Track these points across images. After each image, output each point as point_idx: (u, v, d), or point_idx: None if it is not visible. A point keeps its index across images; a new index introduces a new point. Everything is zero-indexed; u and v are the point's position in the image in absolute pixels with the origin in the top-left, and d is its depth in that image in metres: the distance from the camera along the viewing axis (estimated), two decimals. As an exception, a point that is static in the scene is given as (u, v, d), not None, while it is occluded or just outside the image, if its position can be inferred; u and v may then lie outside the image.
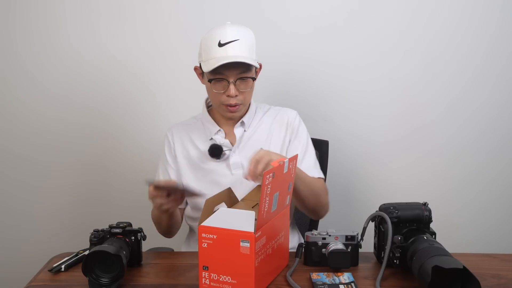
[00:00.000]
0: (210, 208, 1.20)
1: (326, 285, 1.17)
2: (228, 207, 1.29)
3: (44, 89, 2.13)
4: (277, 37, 2.06)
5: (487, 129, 2.12)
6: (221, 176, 1.54)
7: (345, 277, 1.22)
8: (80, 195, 2.19)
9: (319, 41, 2.06)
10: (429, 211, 1.25)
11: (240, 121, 1.58)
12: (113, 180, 2.18)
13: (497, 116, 2.11)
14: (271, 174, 1.08)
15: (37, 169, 2.18)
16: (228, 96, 1.47)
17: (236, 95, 1.47)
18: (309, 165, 1.57)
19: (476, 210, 2.18)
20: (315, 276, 1.22)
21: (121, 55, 2.10)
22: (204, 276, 1.13)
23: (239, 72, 1.45)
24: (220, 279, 1.12)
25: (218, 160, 1.55)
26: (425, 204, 1.27)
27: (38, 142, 2.16)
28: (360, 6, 2.04)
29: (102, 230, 1.28)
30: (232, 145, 1.57)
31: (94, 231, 1.28)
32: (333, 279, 1.20)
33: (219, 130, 1.58)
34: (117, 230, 1.27)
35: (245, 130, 1.59)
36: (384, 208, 1.26)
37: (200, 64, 1.51)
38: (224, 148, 1.55)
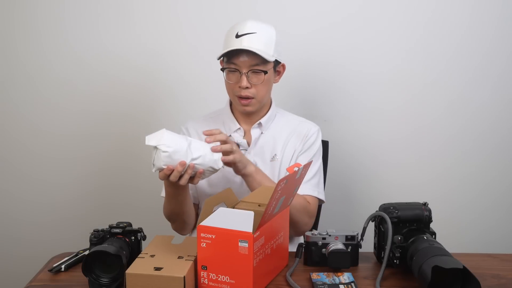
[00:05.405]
0: (209, 208, 1.20)
1: (326, 285, 1.17)
2: (227, 207, 1.29)
3: (44, 90, 2.13)
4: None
5: (487, 129, 2.12)
6: (232, 173, 1.50)
7: (345, 277, 1.22)
8: (80, 195, 2.19)
9: (318, 42, 2.06)
10: (429, 211, 1.25)
11: (258, 122, 1.59)
12: (113, 180, 2.17)
13: (497, 116, 2.11)
14: (284, 181, 1.10)
15: (37, 169, 2.18)
16: (240, 87, 1.49)
17: (247, 87, 1.49)
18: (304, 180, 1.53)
19: (476, 210, 2.17)
20: (315, 276, 1.22)
21: (126, 53, 2.08)
22: (203, 275, 1.13)
23: (252, 64, 1.47)
24: (219, 279, 1.12)
25: None
26: (425, 204, 1.27)
27: (38, 142, 2.16)
28: (360, 7, 2.04)
29: (102, 230, 1.28)
30: (249, 146, 1.59)
31: (94, 231, 1.28)
32: (333, 279, 1.20)
33: (239, 128, 1.60)
34: (117, 230, 1.27)
35: (262, 132, 1.60)
36: (384, 208, 1.26)
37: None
38: (241, 148, 1.55)
